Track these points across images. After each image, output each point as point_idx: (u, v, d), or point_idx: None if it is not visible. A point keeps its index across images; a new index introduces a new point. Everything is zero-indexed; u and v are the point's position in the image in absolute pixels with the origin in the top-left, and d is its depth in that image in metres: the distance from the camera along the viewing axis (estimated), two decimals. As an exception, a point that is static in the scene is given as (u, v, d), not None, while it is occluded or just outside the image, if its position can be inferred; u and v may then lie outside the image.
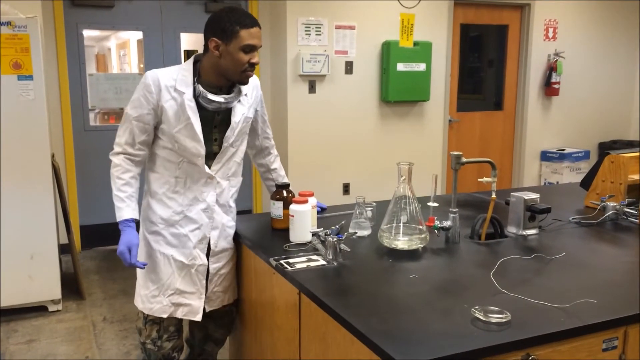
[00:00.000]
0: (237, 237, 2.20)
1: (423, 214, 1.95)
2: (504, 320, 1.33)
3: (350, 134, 5.16)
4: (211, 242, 2.11)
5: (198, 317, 2.12)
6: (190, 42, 5.64)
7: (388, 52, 5.05)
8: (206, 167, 2.03)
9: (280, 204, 2.16)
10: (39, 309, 3.55)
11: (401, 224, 1.91)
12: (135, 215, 1.98)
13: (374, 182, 5.26)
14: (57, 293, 3.54)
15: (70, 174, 4.53)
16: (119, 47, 9.05)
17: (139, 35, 4.94)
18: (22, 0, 3.68)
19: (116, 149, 2.02)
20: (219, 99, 1.97)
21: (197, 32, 5.67)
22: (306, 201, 2.03)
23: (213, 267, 2.14)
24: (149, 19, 4.78)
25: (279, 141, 5.18)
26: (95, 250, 4.65)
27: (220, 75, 1.95)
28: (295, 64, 4.83)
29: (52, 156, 3.63)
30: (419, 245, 1.90)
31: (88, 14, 4.55)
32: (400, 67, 5.09)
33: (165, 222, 2.06)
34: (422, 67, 5.18)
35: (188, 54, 5.12)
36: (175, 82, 1.96)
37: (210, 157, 2.05)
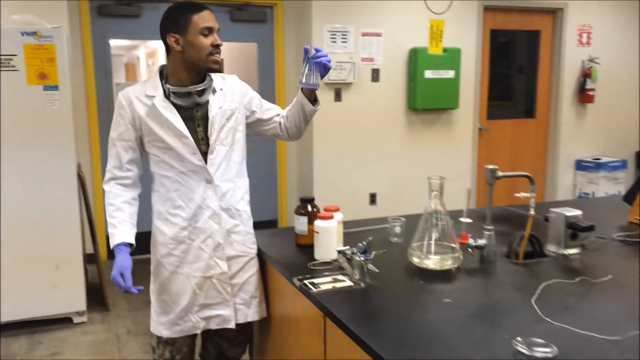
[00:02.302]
0: (259, 252, 2.12)
1: (455, 230, 1.84)
2: (551, 356, 1.21)
3: (377, 142, 5.06)
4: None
5: (232, 325, 2.06)
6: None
7: (416, 59, 4.94)
8: (203, 161, 1.95)
9: (304, 219, 2.07)
10: (63, 321, 3.52)
11: (432, 242, 1.81)
12: (128, 239, 1.93)
13: (402, 192, 5.14)
14: (82, 304, 3.51)
15: (96, 184, 4.53)
16: (148, 56, 9.12)
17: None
18: (49, 11, 3.69)
19: (106, 176, 2.01)
20: (188, 89, 1.93)
21: (223, 40, 5.65)
22: (331, 217, 1.94)
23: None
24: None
25: (304, 150, 5.14)
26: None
27: (189, 69, 1.93)
28: (321, 72, 4.74)
29: (79, 166, 3.62)
30: (452, 266, 1.79)
31: (115, 23, 4.56)
32: (428, 74, 4.98)
33: (174, 240, 2.00)
34: (450, 74, 5.06)
35: (213, 62, 5.09)
36: (145, 90, 1.95)
37: (202, 160, 1.97)
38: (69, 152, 3.36)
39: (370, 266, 1.72)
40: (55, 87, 3.25)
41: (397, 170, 5.16)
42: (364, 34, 4.86)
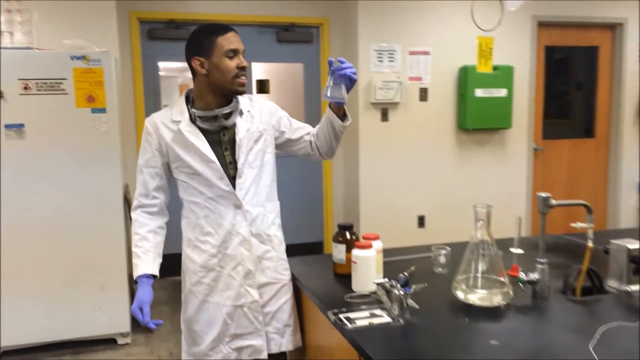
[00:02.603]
0: (295, 279, 2.03)
1: (505, 261, 1.70)
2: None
3: (425, 163, 4.91)
4: None
5: (264, 355, 1.99)
6: (263, 71, 5.66)
7: (465, 78, 4.79)
8: (231, 186, 1.90)
9: (342, 247, 1.98)
10: (108, 342, 3.54)
11: (479, 275, 1.67)
12: (152, 271, 1.89)
13: (452, 215, 4.96)
14: (126, 326, 3.52)
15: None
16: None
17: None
18: (100, 35, 3.78)
19: (134, 204, 1.97)
20: (214, 113, 1.88)
21: (269, 61, 5.67)
22: (370, 246, 1.84)
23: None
24: (222, 50, 4.80)
25: (350, 170, 5.05)
26: (167, 281, 4.65)
27: (215, 93, 1.89)
28: (367, 92, 4.68)
29: (126, 187, 3.66)
30: (500, 303, 1.65)
31: (164, 46, 4.64)
32: (479, 92, 4.81)
33: (204, 268, 1.94)
34: (502, 92, 4.87)
35: (260, 84, 5.10)
36: (171, 115, 1.92)
37: (230, 184, 1.91)
38: (116, 173, 3.40)
39: (410, 302, 1.60)
40: (103, 110, 3.31)
41: (447, 192, 4.99)
42: (412, 53, 4.75)
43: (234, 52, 1.85)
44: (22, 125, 3.19)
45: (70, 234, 3.34)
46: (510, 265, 1.79)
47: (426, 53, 4.79)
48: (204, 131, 1.89)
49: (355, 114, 4.75)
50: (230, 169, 1.91)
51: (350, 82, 1.85)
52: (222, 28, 1.87)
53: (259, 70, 5.12)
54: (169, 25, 4.58)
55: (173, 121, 1.90)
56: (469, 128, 4.87)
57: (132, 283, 3.71)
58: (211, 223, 1.92)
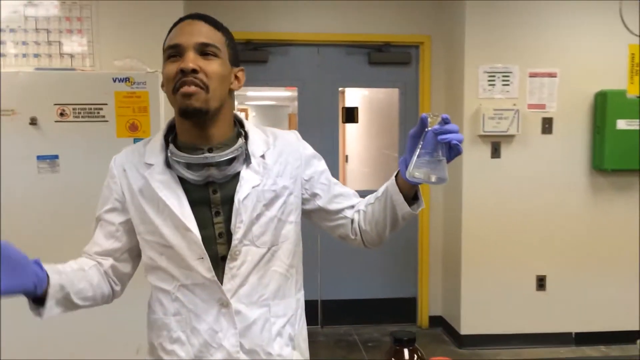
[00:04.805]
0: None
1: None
2: None
3: (547, 211, 3.94)
4: None
5: None
6: (351, 97, 5.03)
7: (604, 105, 3.79)
8: (213, 271, 1.21)
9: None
10: None
11: None
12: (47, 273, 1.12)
13: (582, 275, 3.94)
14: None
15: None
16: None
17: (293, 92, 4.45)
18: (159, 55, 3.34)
19: None
20: (198, 156, 1.21)
21: (359, 86, 5.02)
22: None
23: None
24: (304, 73, 4.23)
25: (451, 217, 4.21)
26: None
27: (181, 120, 1.23)
28: (474, 122, 3.84)
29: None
30: None
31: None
32: (622, 124, 3.80)
33: None
34: (654, 124, 3.81)
35: (347, 112, 4.45)
36: (144, 154, 1.26)
37: (216, 267, 1.22)
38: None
39: None
40: (147, 141, 2.81)
41: (576, 248, 3.97)
42: (532, 75, 3.86)
43: (176, 50, 1.19)
44: (56, 157, 2.77)
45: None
46: None
47: (552, 75, 3.87)
48: (185, 182, 1.23)
49: (458, 148, 3.92)
50: (220, 245, 1.23)
51: (450, 154, 1.13)
52: (181, 20, 1.24)
53: (347, 97, 4.48)
54: (247, 47, 4.09)
55: (146, 164, 1.26)
56: (607, 169, 3.84)
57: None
58: (182, 325, 1.24)
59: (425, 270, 4.33)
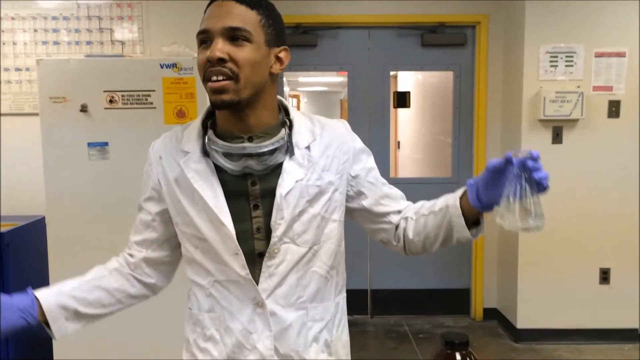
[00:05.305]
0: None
1: None
2: None
3: (613, 201, 3.70)
4: None
5: None
6: (403, 81, 4.86)
7: (679, 87, 3.51)
8: (247, 269, 1.13)
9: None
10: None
11: None
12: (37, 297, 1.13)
13: (650, 270, 3.68)
14: None
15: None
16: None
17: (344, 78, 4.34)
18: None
19: None
20: (237, 145, 1.12)
21: (412, 69, 4.86)
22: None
23: None
24: (354, 56, 4.12)
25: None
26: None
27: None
28: (533, 105, 3.63)
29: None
30: None
31: (291, 55, 4.08)
32: (698, 107, 3.50)
33: None
34: None
35: (398, 97, 4.31)
36: (182, 140, 1.19)
37: (253, 264, 1.14)
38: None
39: None
40: (195, 127, 2.79)
41: (644, 240, 3.72)
42: (599, 55, 3.60)
43: (206, 36, 1.11)
44: (106, 144, 2.79)
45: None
46: None
47: (621, 54, 3.60)
48: (222, 172, 1.15)
49: (516, 133, 3.73)
50: (257, 241, 1.15)
51: (535, 191, 1.05)
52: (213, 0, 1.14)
53: (399, 81, 4.33)
54: (296, 31, 4.01)
55: (182, 151, 1.19)
56: (681, 155, 3.56)
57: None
58: (216, 323, 1.18)
59: (480, 260, 4.17)
